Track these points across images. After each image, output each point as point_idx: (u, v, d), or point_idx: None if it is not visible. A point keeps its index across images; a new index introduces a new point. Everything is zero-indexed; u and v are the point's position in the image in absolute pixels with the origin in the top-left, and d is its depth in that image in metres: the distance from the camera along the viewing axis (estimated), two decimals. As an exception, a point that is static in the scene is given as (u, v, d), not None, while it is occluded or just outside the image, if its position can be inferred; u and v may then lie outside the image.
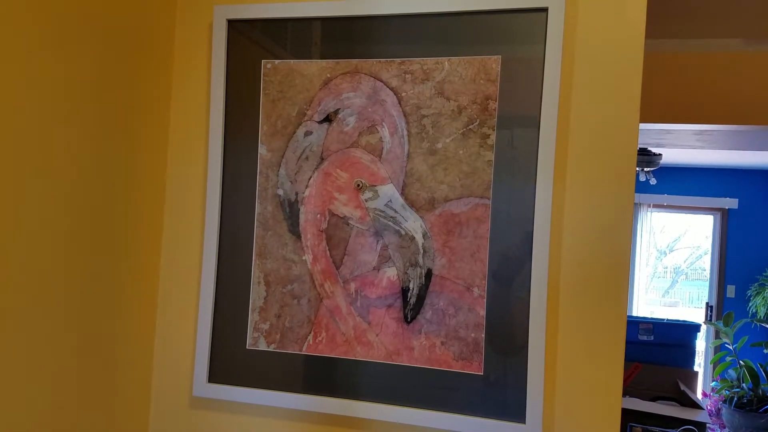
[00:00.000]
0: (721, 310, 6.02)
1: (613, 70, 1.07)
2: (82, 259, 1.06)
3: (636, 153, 1.07)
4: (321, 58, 1.18)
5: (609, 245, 1.07)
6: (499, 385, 1.08)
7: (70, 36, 1.00)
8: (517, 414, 1.07)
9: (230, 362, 1.21)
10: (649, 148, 4.29)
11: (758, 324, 5.48)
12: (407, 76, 1.13)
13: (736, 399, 3.15)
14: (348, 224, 1.16)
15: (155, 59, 1.22)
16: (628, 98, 1.07)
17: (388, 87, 1.14)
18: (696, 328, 3.34)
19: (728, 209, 6.07)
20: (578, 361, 1.08)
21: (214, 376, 1.21)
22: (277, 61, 1.20)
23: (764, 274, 5.86)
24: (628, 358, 3.16)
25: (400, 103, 1.13)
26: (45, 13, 0.95)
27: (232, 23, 1.21)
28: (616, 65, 1.07)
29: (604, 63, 1.07)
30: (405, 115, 1.13)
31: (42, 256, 0.98)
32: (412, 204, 1.13)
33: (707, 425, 2.68)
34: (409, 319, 1.12)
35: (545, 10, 1.06)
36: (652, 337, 3.28)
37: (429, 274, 1.12)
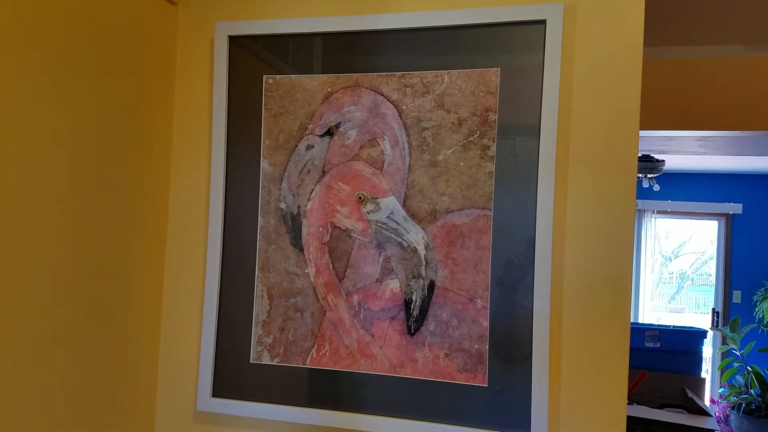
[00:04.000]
0: (727, 315, 5.98)
1: (613, 79, 1.08)
2: (85, 273, 1.07)
3: (636, 160, 1.07)
4: (322, 73, 1.19)
5: (611, 253, 1.07)
6: (504, 396, 1.08)
7: (72, 52, 1.02)
8: (523, 425, 1.07)
9: (234, 376, 1.21)
10: (652, 155, 4.29)
11: (765, 329, 5.44)
12: (407, 89, 1.14)
13: (744, 405, 3.12)
14: (350, 237, 1.16)
15: (158, 75, 1.23)
16: (628, 106, 1.07)
17: (388, 100, 1.15)
18: (702, 334, 3.32)
19: (732, 214, 6.05)
20: (583, 370, 1.07)
21: (218, 391, 1.21)
22: (278, 76, 1.21)
23: (770, 278, 5.82)
24: (635, 366, 3.14)
25: (400, 116, 1.14)
26: (48, 30, 0.97)
27: (233, 39, 1.23)
28: (616, 74, 1.08)
29: (604, 72, 1.08)
30: (406, 128, 1.14)
31: (46, 273, 0.99)
32: (413, 216, 1.13)
33: (716, 432, 2.66)
34: (412, 331, 1.12)
35: (543, 22, 1.07)
36: (658, 344, 3.26)
37: (432, 285, 1.12)
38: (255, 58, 1.22)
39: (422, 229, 1.13)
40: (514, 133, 1.09)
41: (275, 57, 1.21)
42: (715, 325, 5.94)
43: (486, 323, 1.09)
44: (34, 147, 0.95)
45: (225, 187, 1.23)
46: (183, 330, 1.27)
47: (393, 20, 1.14)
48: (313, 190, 1.18)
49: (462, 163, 1.11)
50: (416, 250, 1.13)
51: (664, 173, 5.15)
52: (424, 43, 1.14)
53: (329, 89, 1.18)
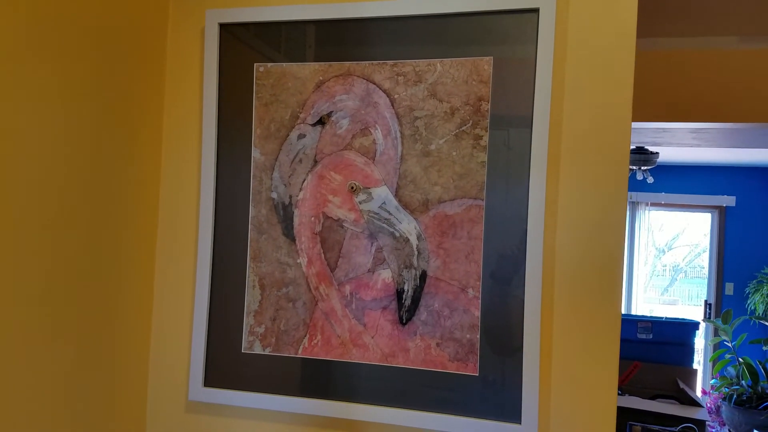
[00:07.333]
0: (719, 307, 6.02)
1: (605, 69, 1.07)
2: (76, 264, 1.06)
3: (629, 152, 1.07)
4: (314, 61, 1.18)
5: (603, 244, 1.07)
6: (495, 385, 1.08)
7: (62, 42, 1.00)
8: (513, 414, 1.07)
9: (226, 366, 1.21)
10: (646, 147, 4.30)
11: (757, 321, 5.48)
12: (400, 78, 1.13)
13: (735, 396, 3.14)
14: (342, 227, 1.16)
15: (148, 64, 1.22)
16: (621, 97, 1.07)
17: (380, 89, 1.14)
18: (695, 326, 3.34)
19: (726, 207, 6.08)
20: (573, 360, 1.08)
21: (210, 380, 1.21)
22: (269, 65, 1.20)
23: (762, 271, 5.86)
24: (627, 357, 3.16)
25: (392, 105, 1.14)
26: (38, 19, 0.95)
27: (224, 27, 1.21)
28: (608, 64, 1.07)
29: (596, 62, 1.08)
30: (398, 117, 1.13)
31: (35, 262, 0.98)
32: (406, 206, 1.13)
33: (707, 423, 2.68)
34: (404, 321, 1.12)
35: (536, 10, 1.06)
36: (651, 336, 3.28)
37: (424, 275, 1.12)
38: (246, 46, 1.21)
39: (414, 219, 1.12)
40: (507, 122, 1.09)
41: (266, 45, 1.20)
42: (707, 317, 5.99)
43: (477, 313, 1.09)
44: (21, 139, 0.94)
45: (216, 177, 1.22)
46: (174, 320, 1.27)
47: (385, 8, 1.13)
48: (304, 180, 1.18)
49: (454, 153, 1.11)
50: (408, 240, 1.13)
51: (657, 165, 5.17)
52: (417, 31, 1.13)
53: (321, 78, 1.17)
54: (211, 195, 1.21)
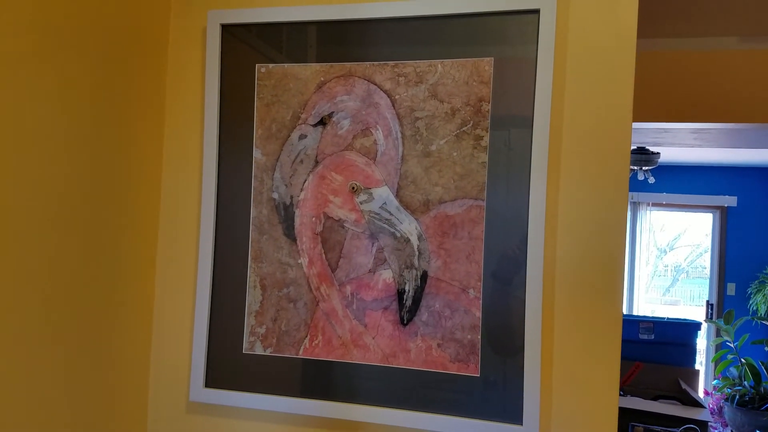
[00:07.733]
0: (721, 308, 6.02)
1: (606, 70, 1.07)
2: (77, 264, 1.06)
3: (629, 152, 1.07)
4: (315, 62, 1.18)
5: (604, 244, 1.07)
6: (496, 386, 1.08)
7: (63, 42, 1.01)
8: (514, 415, 1.07)
9: (227, 367, 1.21)
10: (647, 147, 4.29)
11: (759, 321, 5.48)
12: (401, 78, 1.13)
13: (737, 397, 3.14)
14: (343, 227, 1.16)
15: (149, 64, 1.22)
16: (621, 98, 1.07)
17: (381, 90, 1.14)
18: (697, 326, 3.34)
19: (727, 207, 6.07)
20: (575, 361, 1.08)
21: (211, 381, 1.21)
22: (271, 65, 1.20)
23: (764, 271, 5.85)
24: (629, 357, 3.16)
25: (393, 105, 1.14)
26: (39, 19, 0.96)
27: (225, 28, 1.22)
28: (609, 65, 1.07)
29: (597, 63, 1.08)
30: (399, 118, 1.13)
31: (36, 262, 0.98)
32: (406, 206, 1.13)
33: (709, 424, 2.67)
34: (405, 322, 1.12)
35: (537, 11, 1.06)
36: (652, 336, 3.27)
37: (424, 276, 1.12)
38: (247, 46, 1.21)
39: (415, 219, 1.12)
40: (508, 123, 1.09)
41: (268, 46, 1.20)
42: (709, 317, 5.98)
43: (478, 313, 1.09)
44: (21, 140, 0.94)
45: (217, 177, 1.22)
46: (175, 320, 1.27)
47: (386, 9, 1.13)
48: (305, 180, 1.18)
49: (455, 153, 1.11)
50: (409, 240, 1.13)
51: (659, 166, 5.16)
52: (418, 32, 1.13)
53: (322, 78, 1.17)
54: (213, 195, 1.21)
